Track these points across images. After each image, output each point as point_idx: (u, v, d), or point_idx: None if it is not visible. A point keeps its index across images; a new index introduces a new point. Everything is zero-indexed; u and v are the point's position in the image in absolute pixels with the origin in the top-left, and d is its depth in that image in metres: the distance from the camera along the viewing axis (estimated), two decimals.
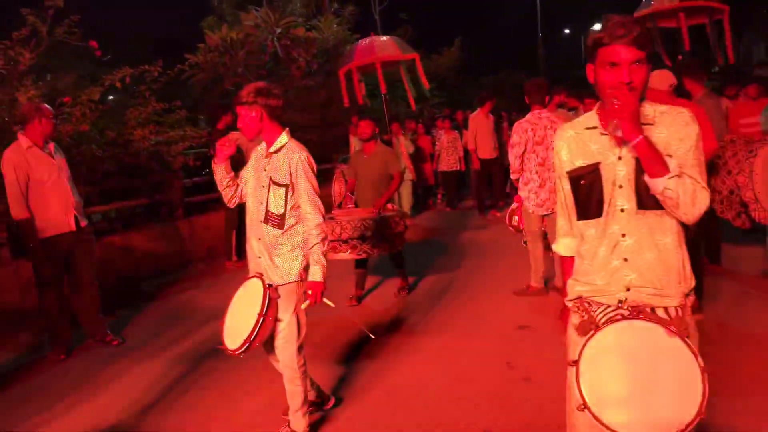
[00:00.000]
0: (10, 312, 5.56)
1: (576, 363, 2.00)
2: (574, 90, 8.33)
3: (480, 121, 9.76)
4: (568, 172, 2.22)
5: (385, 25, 18.03)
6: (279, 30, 9.76)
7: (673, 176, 1.91)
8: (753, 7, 35.03)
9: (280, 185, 3.19)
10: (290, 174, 3.18)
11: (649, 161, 1.94)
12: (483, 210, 10.29)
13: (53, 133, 4.91)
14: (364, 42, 8.25)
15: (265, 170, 3.26)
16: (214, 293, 6.39)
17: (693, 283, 2.12)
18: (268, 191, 3.23)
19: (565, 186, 2.26)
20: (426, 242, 8.58)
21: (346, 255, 5.32)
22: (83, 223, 4.93)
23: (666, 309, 2.08)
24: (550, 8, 31.24)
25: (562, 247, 2.36)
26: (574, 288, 2.24)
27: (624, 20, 1.98)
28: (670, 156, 1.98)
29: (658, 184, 1.94)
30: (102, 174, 6.64)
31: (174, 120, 7.56)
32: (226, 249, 7.83)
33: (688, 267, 2.12)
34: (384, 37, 8.52)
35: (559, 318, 2.36)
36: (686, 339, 1.96)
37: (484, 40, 30.58)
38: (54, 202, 4.71)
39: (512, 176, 5.52)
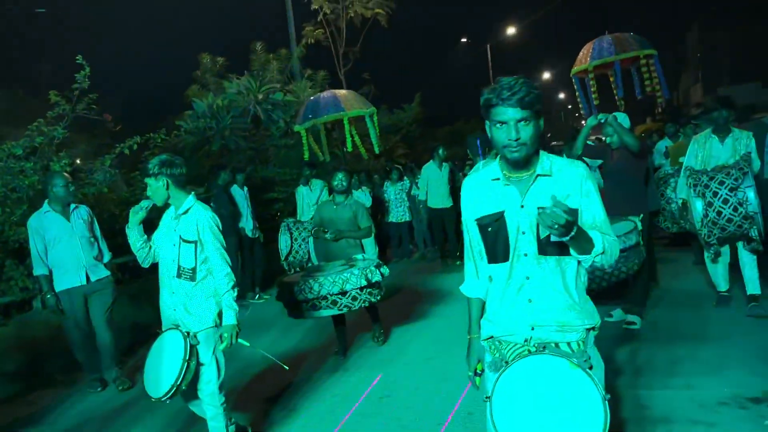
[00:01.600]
0: (43, 353, 6.26)
1: (489, 399, 2.17)
2: None
3: (432, 171, 9.83)
4: (476, 220, 2.37)
5: (350, 85, 19.32)
6: (260, 96, 10.82)
7: (599, 254, 2.14)
8: (685, 52, 37.65)
9: (189, 242, 3.53)
10: (198, 231, 3.54)
11: (579, 247, 2.12)
12: (445, 256, 10.08)
13: (70, 197, 5.54)
14: (324, 96, 8.27)
15: (175, 230, 3.60)
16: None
17: (596, 319, 2.30)
18: (179, 248, 3.55)
19: (473, 232, 2.41)
20: (397, 289, 8.63)
21: (327, 311, 5.22)
22: (98, 276, 5.51)
23: (569, 344, 2.25)
24: (500, 60, 33.32)
25: (467, 288, 2.53)
26: (486, 328, 2.40)
27: (511, 83, 2.11)
28: (575, 209, 2.17)
29: (588, 260, 2.18)
30: (118, 229, 7.45)
31: None
32: None
33: (588, 303, 2.32)
34: (343, 92, 8.68)
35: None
36: (587, 370, 2.11)
37: (441, 93, 32.28)
38: (66, 259, 5.39)
39: None
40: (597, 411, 2.03)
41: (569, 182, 2.23)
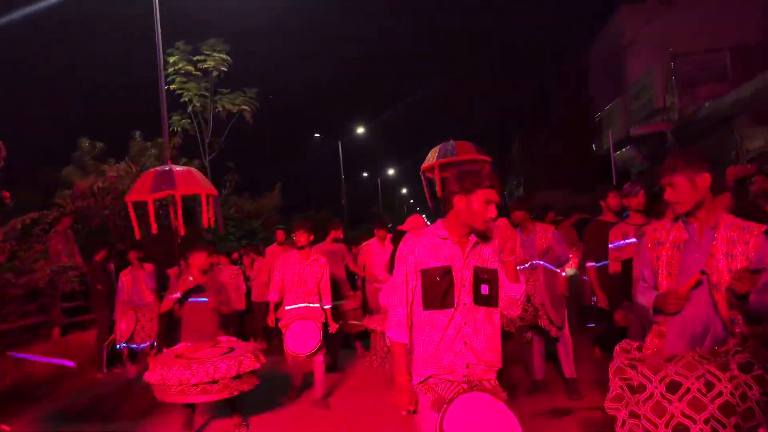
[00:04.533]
0: None
1: None
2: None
3: (275, 254, 9.45)
4: (422, 270, 2.74)
5: (214, 173, 20.43)
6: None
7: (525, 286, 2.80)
8: (508, 157, 42.61)
9: None
10: None
11: (513, 273, 2.76)
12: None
13: None
14: (179, 170, 8.01)
15: None
16: (80, 401, 7.62)
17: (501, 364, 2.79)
18: None
19: (412, 281, 2.77)
20: None
21: (219, 394, 5.06)
22: None
23: (489, 381, 2.72)
24: (351, 156, 36.13)
25: (398, 334, 2.79)
26: (425, 369, 2.72)
27: (494, 173, 2.75)
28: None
29: (518, 289, 2.78)
30: (9, 297, 8.02)
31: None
32: (98, 362, 9.15)
33: (498, 348, 2.79)
34: (193, 169, 8.70)
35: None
36: (506, 401, 2.64)
37: (299, 183, 34.16)
38: None
39: None
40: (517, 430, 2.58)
41: (494, 247, 2.83)
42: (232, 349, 5.32)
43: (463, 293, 2.69)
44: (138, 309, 8.14)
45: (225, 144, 20.97)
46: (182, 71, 19.52)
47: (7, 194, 8.05)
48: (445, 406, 2.54)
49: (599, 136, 20.36)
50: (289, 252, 6.77)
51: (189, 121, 20.10)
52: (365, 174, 55.21)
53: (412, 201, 66.26)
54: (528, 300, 5.43)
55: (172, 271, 9.49)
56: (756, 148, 12.03)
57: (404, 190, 65.18)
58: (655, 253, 2.88)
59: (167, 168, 8.47)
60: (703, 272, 2.65)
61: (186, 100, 19.82)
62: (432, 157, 10.35)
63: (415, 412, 2.72)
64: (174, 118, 19.26)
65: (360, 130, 38.99)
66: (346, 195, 36.35)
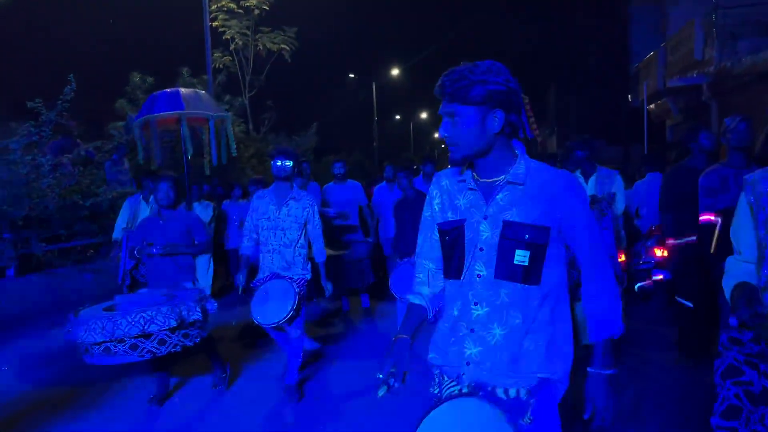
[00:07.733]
0: None
1: None
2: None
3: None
4: (438, 224, 1.99)
5: (253, 111, 21.05)
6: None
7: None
8: (545, 108, 42.35)
9: None
10: None
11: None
12: None
13: None
14: (167, 92, 7.44)
15: None
16: None
17: (557, 371, 1.90)
18: None
19: (434, 236, 2.01)
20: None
21: (123, 357, 4.10)
22: None
23: (506, 390, 1.88)
24: (384, 98, 36.21)
25: (412, 295, 2.08)
26: (432, 354, 2.03)
27: (451, 69, 1.83)
28: (543, 228, 1.81)
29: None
30: (77, 217, 8.86)
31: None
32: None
33: (550, 349, 1.88)
34: (189, 90, 7.96)
35: None
36: (514, 424, 1.78)
37: (333, 124, 34.59)
38: None
39: None
40: None
41: (542, 194, 1.84)
42: (173, 296, 4.48)
43: (477, 260, 1.88)
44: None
45: (264, 82, 21.52)
46: (225, 8, 19.92)
47: (74, 123, 8.75)
48: (431, 406, 1.88)
49: (635, 87, 20.34)
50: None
51: (230, 58, 20.61)
52: (398, 117, 55.48)
53: (443, 146, 65.96)
54: None
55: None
56: None
57: (436, 135, 65.20)
58: None
59: (154, 93, 7.92)
60: None
61: (228, 37, 20.29)
62: None
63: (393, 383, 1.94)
64: (215, 55, 19.77)
65: (395, 71, 38.93)
66: (378, 137, 36.70)
